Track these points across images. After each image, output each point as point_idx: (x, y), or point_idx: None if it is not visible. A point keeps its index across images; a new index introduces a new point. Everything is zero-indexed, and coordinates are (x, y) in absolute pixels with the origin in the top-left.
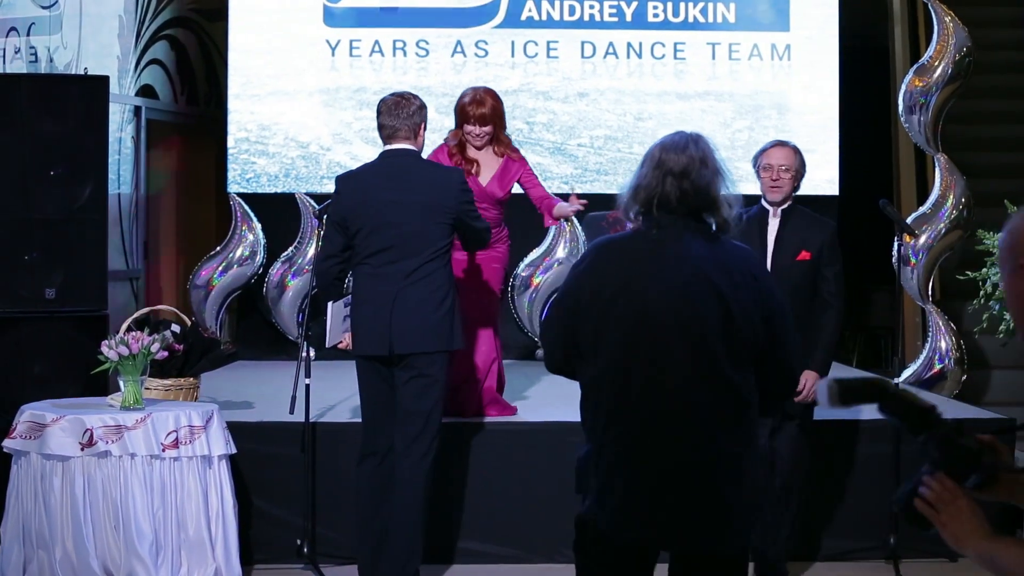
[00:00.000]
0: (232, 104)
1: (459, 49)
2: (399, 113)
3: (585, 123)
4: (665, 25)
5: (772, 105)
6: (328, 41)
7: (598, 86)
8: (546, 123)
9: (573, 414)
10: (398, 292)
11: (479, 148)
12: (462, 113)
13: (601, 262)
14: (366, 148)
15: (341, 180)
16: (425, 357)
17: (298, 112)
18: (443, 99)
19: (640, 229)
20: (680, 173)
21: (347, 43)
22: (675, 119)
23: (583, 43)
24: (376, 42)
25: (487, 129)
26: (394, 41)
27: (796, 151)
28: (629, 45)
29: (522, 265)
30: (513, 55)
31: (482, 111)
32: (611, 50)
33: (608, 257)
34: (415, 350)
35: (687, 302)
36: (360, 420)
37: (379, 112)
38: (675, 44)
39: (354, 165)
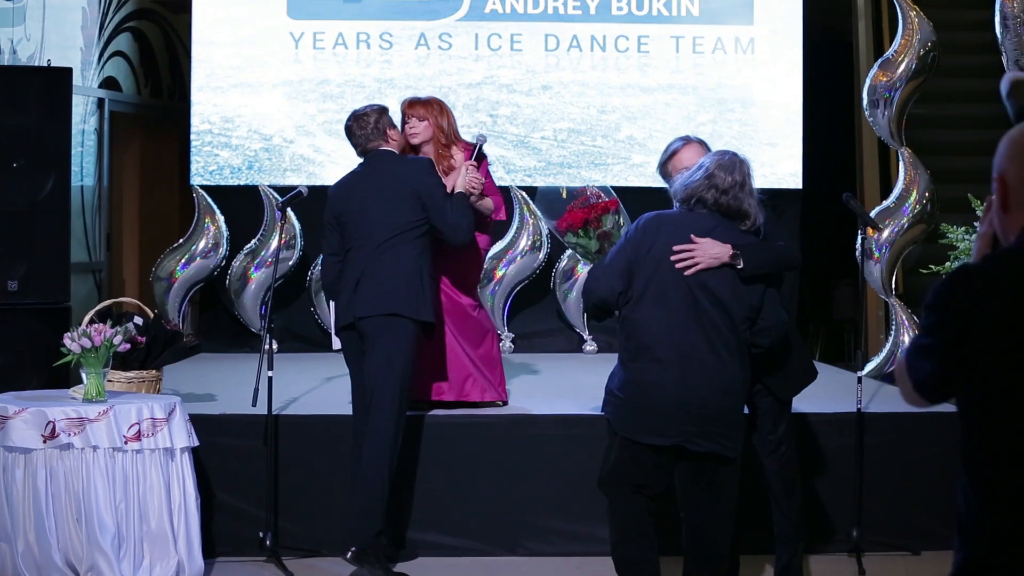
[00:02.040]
0: (195, 96)
1: (423, 42)
2: (362, 131)
3: (549, 116)
4: (629, 18)
5: (736, 99)
6: (292, 33)
7: (562, 79)
8: (509, 116)
9: (536, 407)
10: (365, 266)
11: (418, 147)
12: (402, 117)
13: (651, 230)
14: (329, 140)
15: (332, 187)
16: (386, 323)
17: (261, 104)
18: (407, 91)
19: (682, 210)
20: (724, 190)
21: (311, 35)
22: (639, 112)
23: (547, 36)
24: (340, 34)
25: (423, 125)
26: (358, 33)
27: (700, 146)
28: (593, 38)
29: (486, 259)
30: (477, 47)
31: (417, 108)
32: (575, 43)
33: (656, 228)
34: (375, 312)
35: (709, 272)
36: (328, 413)
37: (348, 138)
38: (639, 37)
39: (317, 157)
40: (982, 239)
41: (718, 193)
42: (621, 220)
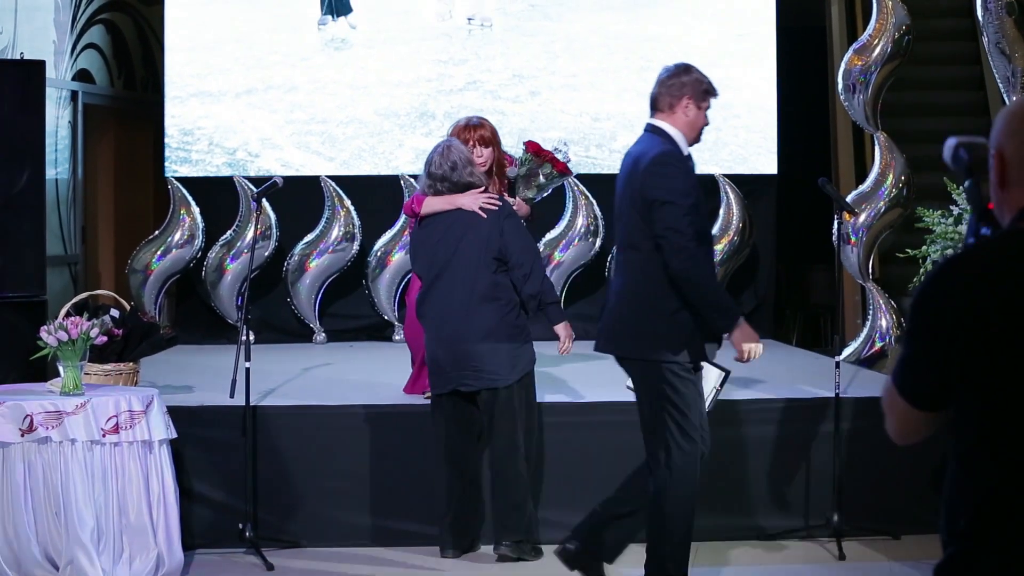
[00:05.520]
0: (169, 89)
1: (399, 43)
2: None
3: (537, 124)
4: (617, 17)
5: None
6: (259, 37)
7: (551, 84)
8: (495, 124)
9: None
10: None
11: (488, 172)
12: (460, 140)
13: (420, 232)
14: (298, 154)
15: None
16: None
17: (224, 114)
18: (382, 99)
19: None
20: (443, 177)
21: (279, 38)
22: (637, 119)
23: (536, 38)
24: (312, 36)
25: (488, 151)
26: (332, 36)
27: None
28: (585, 40)
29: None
30: (460, 50)
31: (481, 132)
32: (566, 45)
33: (424, 229)
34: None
35: (462, 245)
36: (306, 404)
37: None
38: (633, 36)
39: (285, 173)
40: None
41: (444, 181)
42: (550, 179)
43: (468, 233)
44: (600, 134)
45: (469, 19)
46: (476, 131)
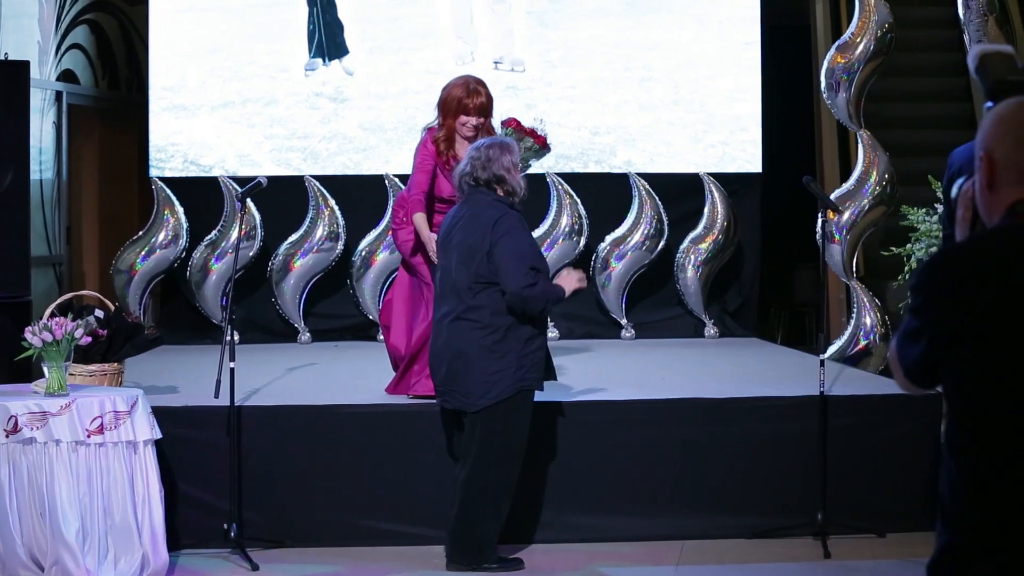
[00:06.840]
0: (153, 88)
1: (387, 55)
2: None
3: None
4: (615, 25)
5: (694, 82)
6: (241, 49)
7: (548, 96)
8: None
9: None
10: None
11: (471, 140)
12: (459, 105)
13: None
14: (278, 171)
15: None
16: None
17: (198, 129)
18: (368, 111)
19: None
20: (469, 172)
21: (260, 51)
22: (638, 134)
23: (530, 49)
24: (291, 48)
25: (482, 120)
26: (314, 47)
27: None
28: (585, 48)
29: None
30: (450, 61)
31: (480, 101)
32: (563, 56)
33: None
34: None
35: (461, 243)
36: (291, 404)
37: None
38: (632, 47)
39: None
40: (962, 223)
41: (469, 175)
42: (530, 153)
43: (461, 247)
44: (599, 149)
45: (496, 63)
46: (475, 99)
